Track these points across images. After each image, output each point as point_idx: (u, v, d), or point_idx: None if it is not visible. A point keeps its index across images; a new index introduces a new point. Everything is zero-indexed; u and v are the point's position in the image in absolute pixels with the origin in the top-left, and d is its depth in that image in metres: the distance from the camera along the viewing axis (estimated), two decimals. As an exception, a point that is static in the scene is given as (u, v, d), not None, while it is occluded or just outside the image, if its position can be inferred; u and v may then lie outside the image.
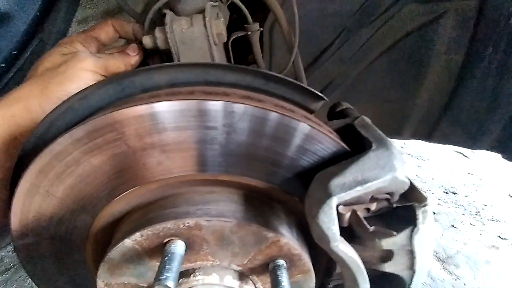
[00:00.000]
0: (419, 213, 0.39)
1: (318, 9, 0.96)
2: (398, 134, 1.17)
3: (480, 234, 2.02)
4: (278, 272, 0.40)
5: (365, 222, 0.36)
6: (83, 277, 0.50)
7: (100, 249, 0.45)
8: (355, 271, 0.38)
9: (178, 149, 0.40)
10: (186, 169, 0.41)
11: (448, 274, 1.74)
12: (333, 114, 0.59)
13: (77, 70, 0.47)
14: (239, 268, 0.43)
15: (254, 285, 0.45)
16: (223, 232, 0.40)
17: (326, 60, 1.05)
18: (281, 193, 0.44)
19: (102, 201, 0.42)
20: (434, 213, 2.19)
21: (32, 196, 0.41)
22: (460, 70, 0.95)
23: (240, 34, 0.77)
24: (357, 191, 0.36)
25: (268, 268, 0.42)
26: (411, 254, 0.41)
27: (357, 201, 0.38)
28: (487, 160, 2.60)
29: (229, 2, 0.76)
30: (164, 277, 0.33)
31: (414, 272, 0.44)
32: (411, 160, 2.81)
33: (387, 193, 0.39)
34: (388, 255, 0.42)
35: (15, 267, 1.74)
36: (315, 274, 0.45)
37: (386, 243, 0.40)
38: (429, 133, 1.09)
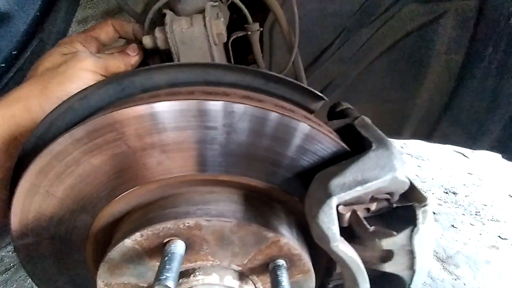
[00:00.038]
0: (419, 213, 0.39)
1: (318, 9, 0.96)
2: (398, 134, 1.17)
3: (480, 234, 2.02)
4: (278, 272, 0.40)
5: (365, 222, 0.36)
6: (83, 277, 0.50)
7: (100, 249, 0.45)
8: (355, 271, 0.38)
9: (178, 149, 0.40)
10: (186, 169, 0.41)
11: (448, 274, 1.74)
12: (333, 114, 0.59)
13: (77, 70, 0.47)
14: (239, 268, 0.43)
15: (254, 285, 0.45)
16: (223, 232, 0.40)
17: (326, 60, 1.05)
18: (281, 193, 0.44)
19: (102, 201, 0.42)
20: (434, 213, 2.19)
21: (32, 196, 0.41)
22: (460, 70, 0.95)
23: (240, 34, 0.78)
24: (357, 191, 0.36)
25: (268, 268, 0.42)
26: (411, 254, 0.41)
27: (357, 201, 0.38)
28: (487, 160, 2.60)
29: (229, 2, 0.76)
30: (164, 277, 0.33)
31: (414, 272, 0.44)
32: (411, 160, 2.81)
33: (387, 193, 0.39)
34: (388, 255, 0.42)
35: (15, 267, 1.74)
36: (315, 274, 0.45)
37: (386, 243, 0.40)
38: (429, 133, 1.09)
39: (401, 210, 0.40)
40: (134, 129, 0.38)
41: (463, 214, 2.18)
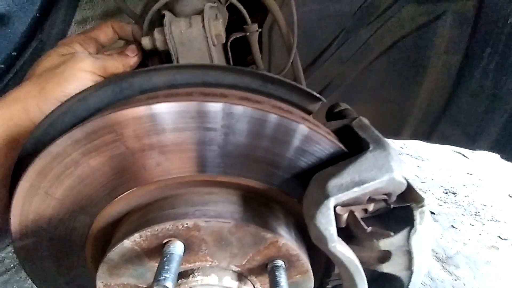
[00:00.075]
0: (417, 214, 0.39)
1: (317, 10, 0.97)
2: (397, 134, 1.17)
3: (480, 234, 2.02)
4: (277, 273, 0.41)
5: (362, 223, 0.36)
6: (83, 277, 0.50)
7: (100, 249, 0.45)
8: (352, 271, 0.39)
9: (177, 150, 0.40)
10: (185, 170, 0.42)
11: (448, 274, 1.74)
12: (331, 114, 0.59)
13: (75, 70, 0.47)
14: (237, 269, 0.43)
15: (253, 285, 0.45)
16: (221, 233, 0.40)
17: (326, 60, 1.05)
18: (279, 194, 0.44)
19: (101, 202, 0.42)
20: (433, 213, 2.19)
21: (32, 197, 0.41)
22: (459, 70, 0.95)
23: (239, 35, 0.78)
24: (355, 192, 0.36)
25: (266, 269, 0.42)
26: (409, 254, 0.41)
27: (354, 201, 0.39)
28: (487, 160, 2.60)
29: (228, 3, 0.76)
30: (163, 277, 0.33)
31: (412, 272, 0.44)
32: (410, 160, 2.81)
33: (385, 194, 0.39)
34: (386, 256, 0.42)
35: (16, 267, 1.74)
36: (314, 275, 0.45)
37: (384, 244, 0.40)
38: (428, 134, 1.09)
39: (398, 211, 0.40)
40: (132, 130, 0.38)
41: (463, 215, 2.18)
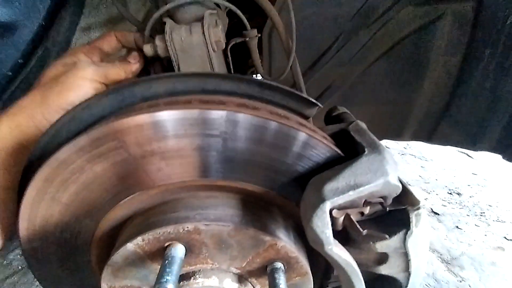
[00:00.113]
0: (413, 216, 0.40)
1: (316, 13, 0.98)
2: (398, 136, 1.17)
3: (485, 235, 2.00)
4: (276, 275, 0.41)
5: (358, 226, 0.37)
6: (88, 279, 0.52)
7: (104, 252, 0.46)
8: (350, 273, 0.39)
9: (178, 156, 0.42)
10: (186, 175, 0.43)
11: (453, 275, 1.73)
12: (329, 118, 0.60)
13: (77, 79, 0.49)
14: (238, 271, 0.44)
15: (253, 287, 0.46)
16: (221, 236, 0.41)
17: (325, 63, 1.06)
18: (278, 198, 0.45)
19: (105, 207, 0.44)
20: (438, 214, 2.18)
21: (39, 202, 0.42)
22: (459, 71, 0.95)
23: (238, 40, 0.79)
24: (350, 196, 0.37)
25: (266, 271, 0.43)
26: (406, 256, 0.42)
27: (351, 205, 0.39)
28: (491, 160, 2.57)
29: (227, 9, 0.78)
30: (165, 280, 0.35)
31: (410, 274, 0.44)
32: (414, 161, 2.80)
33: (381, 197, 0.40)
34: (383, 258, 0.43)
35: (23, 270, 1.77)
36: (314, 276, 0.46)
37: (380, 246, 0.41)
38: (429, 134, 1.10)
39: (395, 214, 0.41)
40: (134, 137, 0.39)
41: (467, 215, 2.17)
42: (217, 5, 0.72)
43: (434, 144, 1.12)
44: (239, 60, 1.07)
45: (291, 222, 0.47)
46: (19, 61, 0.81)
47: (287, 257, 0.43)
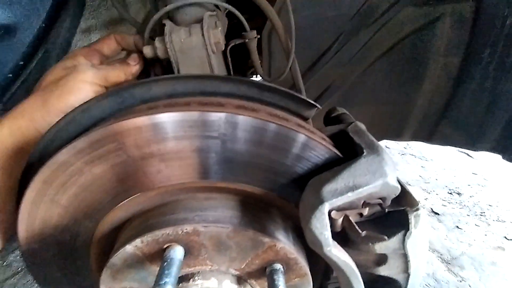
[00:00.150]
0: (412, 217, 0.40)
1: (316, 14, 0.98)
2: (398, 136, 1.17)
3: (485, 235, 2.00)
4: (275, 276, 0.41)
5: (356, 227, 0.37)
6: (87, 281, 0.52)
7: (103, 254, 0.46)
8: (349, 274, 0.39)
9: (177, 157, 0.42)
10: (185, 177, 0.43)
11: (453, 275, 1.73)
12: (329, 119, 0.60)
13: (77, 82, 0.49)
14: (237, 273, 0.44)
15: (253, 288, 0.46)
16: (220, 238, 0.41)
17: (325, 63, 1.06)
18: (277, 199, 0.45)
19: (104, 209, 0.44)
20: (438, 214, 2.18)
21: (38, 204, 0.42)
22: (459, 72, 0.95)
23: (238, 41, 0.79)
24: (349, 197, 0.37)
25: (265, 272, 0.43)
26: (405, 257, 0.42)
27: (349, 206, 0.39)
28: (492, 159, 2.57)
29: (227, 11, 0.78)
30: (163, 282, 0.35)
31: (409, 275, 0.44)
32: (414, 161, 2.80)
33: (379, 198, 0.40)
34: (382, 259, 0.43)
35: (23, 271, 1.77)
36: (313, 277, 0.46)
37: (379, 247, 0.41)
38: (429, 135, 1.10)
39: (394, 215, 0.41)
40: (133, 139, 0.39)
41: (467, 215, 2.16)
42: (217, 6, 0.72)
43: (434, 144, 1.12)
44: (238, 61, 1.07)
45: (290, 223, 0.47)
46: (19, 63, 0.81)
47: (286, 259, 0.43)
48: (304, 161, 0.42)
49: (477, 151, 1.02)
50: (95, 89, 0.51)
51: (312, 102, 0.46)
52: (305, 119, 0.48)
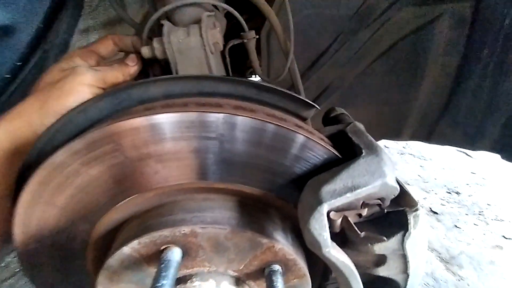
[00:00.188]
0: (411, 218, 0.40)
1: (315, 14, 0.98)
2: (397, 136, 1.17)
3: (484, 234, 2.00)
4: (274, 277, 0.41)
5: (355, 228, 0.37)
6: (84, 283, 0.51)
7: (100, 256, 0.46)
8: (348, 275, 0.39)
9: (174, 158, 0.41)
10: (183, 178, 0.43)
11: (452, 274, 1.73)
12: (327, 119, 0.60)
13: (75, 84, 0.49)
14: (235, 274, 0.44)
15: (251, 290, 0.46)
16: (218, 239, 0.41)
17: (324, 64, 1.06)
18: (276, 200, 0.45)
19: (101, 210, 0.43)
20: (437, 213, 2.18)
21: (34, 206, 0.42)
22: (457, 71, 0.96)
23: (236, 42, 0.79)
24: (348, 198, 0.37)
25: (264, 274, 0.43)
26: (404, 258, 0.42)
27: (348, 206, 0.39)
28: (490, 159, 2.58)
29: (225, 11, 0.78)
30: (160, 284, 0.34)
31: (408, 275, 0.44)
32: (413, 160, 2.80)
33: (378, 199, 0.40)
34: (381, 260, 0.43)
35: (21, 272, 1.76)
36: (312, 278, 0.46)
37: (378, 248, 0.40)
38: (428, 134, 1.10)
39: (393, 215, 0.41)
40: (130, 140, 0.39)
41: (466, 214, 2.17)
42: (215, 7, 0.72)
43: (433, 143, 1.12)
44: (237, 61, 1.06)
45: (289, 224, 0.47)
46: (17, 63, 0.80)
47: (285, 260, 0.43)
48: (302, 162, 0.42)
49: (476, 150, 1.02)
50: (93, 91, 0.51)
51: (311, 102, 0.46)
52: (303, 119, 0.48)
